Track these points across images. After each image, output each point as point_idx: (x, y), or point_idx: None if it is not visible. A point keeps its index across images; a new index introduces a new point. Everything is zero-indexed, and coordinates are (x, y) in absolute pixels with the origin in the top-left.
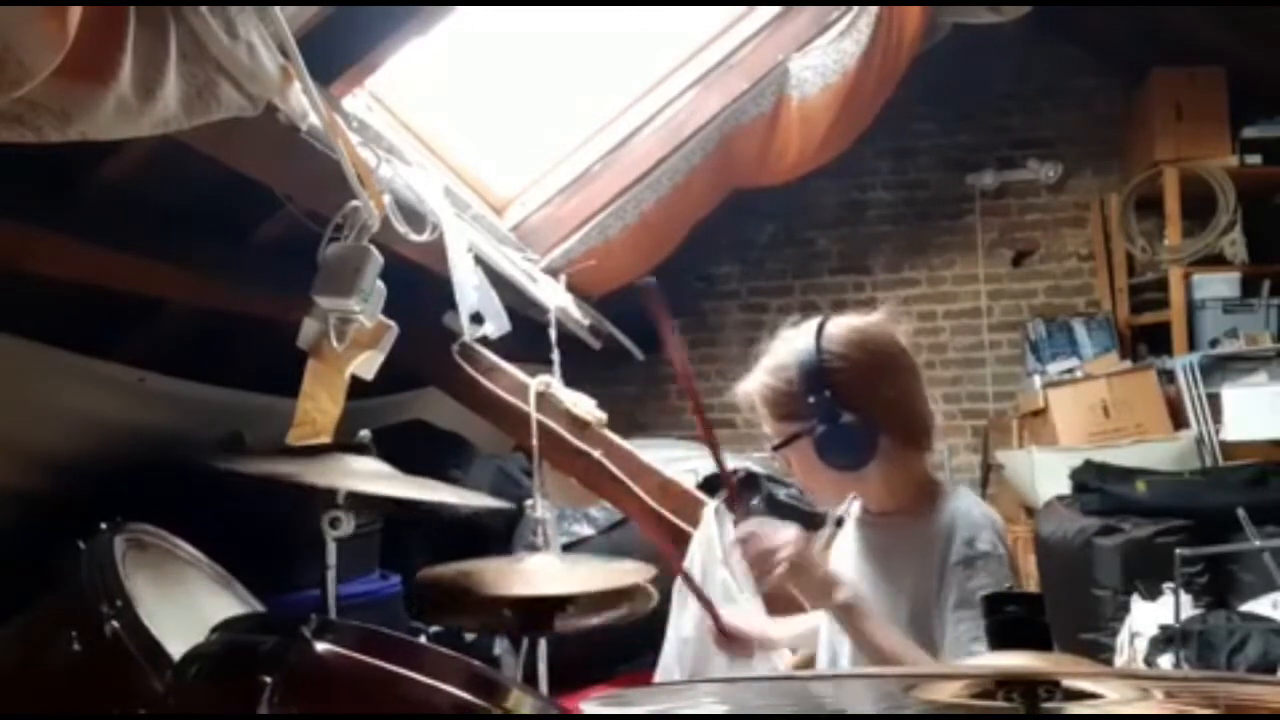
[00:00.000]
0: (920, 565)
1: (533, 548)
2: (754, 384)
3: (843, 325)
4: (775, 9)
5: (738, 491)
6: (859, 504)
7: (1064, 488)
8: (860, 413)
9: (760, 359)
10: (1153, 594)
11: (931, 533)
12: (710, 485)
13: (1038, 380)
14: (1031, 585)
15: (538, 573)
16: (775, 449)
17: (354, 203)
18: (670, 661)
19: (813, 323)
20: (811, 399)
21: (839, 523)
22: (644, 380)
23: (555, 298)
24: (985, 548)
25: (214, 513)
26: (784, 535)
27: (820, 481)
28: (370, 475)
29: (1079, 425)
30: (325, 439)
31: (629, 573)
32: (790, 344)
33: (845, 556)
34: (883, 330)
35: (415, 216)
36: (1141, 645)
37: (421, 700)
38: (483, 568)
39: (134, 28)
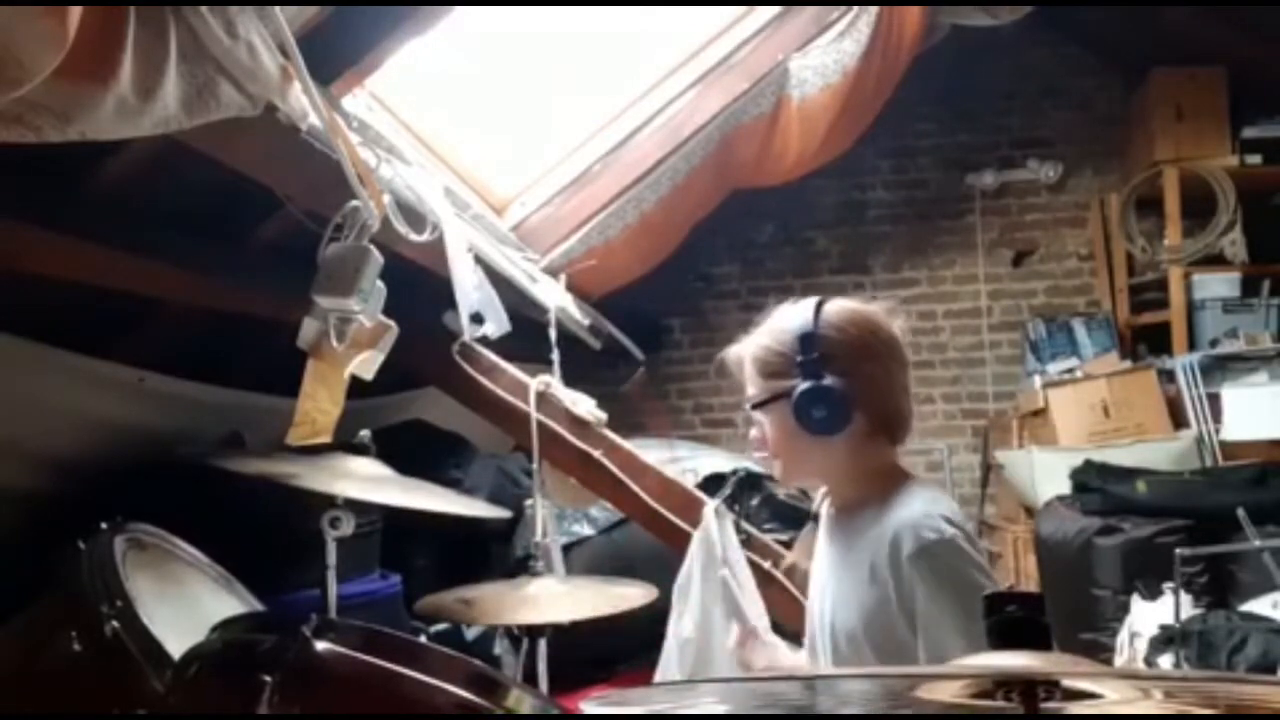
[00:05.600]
0: (873, 564)
1: (533, 571)
2: (748, 345)
3: (841, 303)
4: (775, 9)
5: (736, 492)
6: (829, 505)
7: (1064, 488)
8: (843, 380)
9: (753, 328)
10: (1153, 594)
11: (883, 529)
12: (710, 485)
13: (1038, 380)
14: (1031, 585)
15: (539, 599)
16: (755, 407)
17: (354, 203)
18: (670, 661)
19: (813, 298)
20: (800, 359)
21: (814, 519)
22: (644, 380)
23: (555, 298)
24: (932, 536)
25: (214, 513)
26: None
27: (789, 451)
28: (369, 478)
29: (1079, 425)
30: (325, 439)
31: (631, 597)
32: (788, 312)
33: (820, 557)
34: (879, 316)
35: (415, 216)
36: (1141, 645)
37: (422, 700)
38: (484, 594)
39: (134, 28)
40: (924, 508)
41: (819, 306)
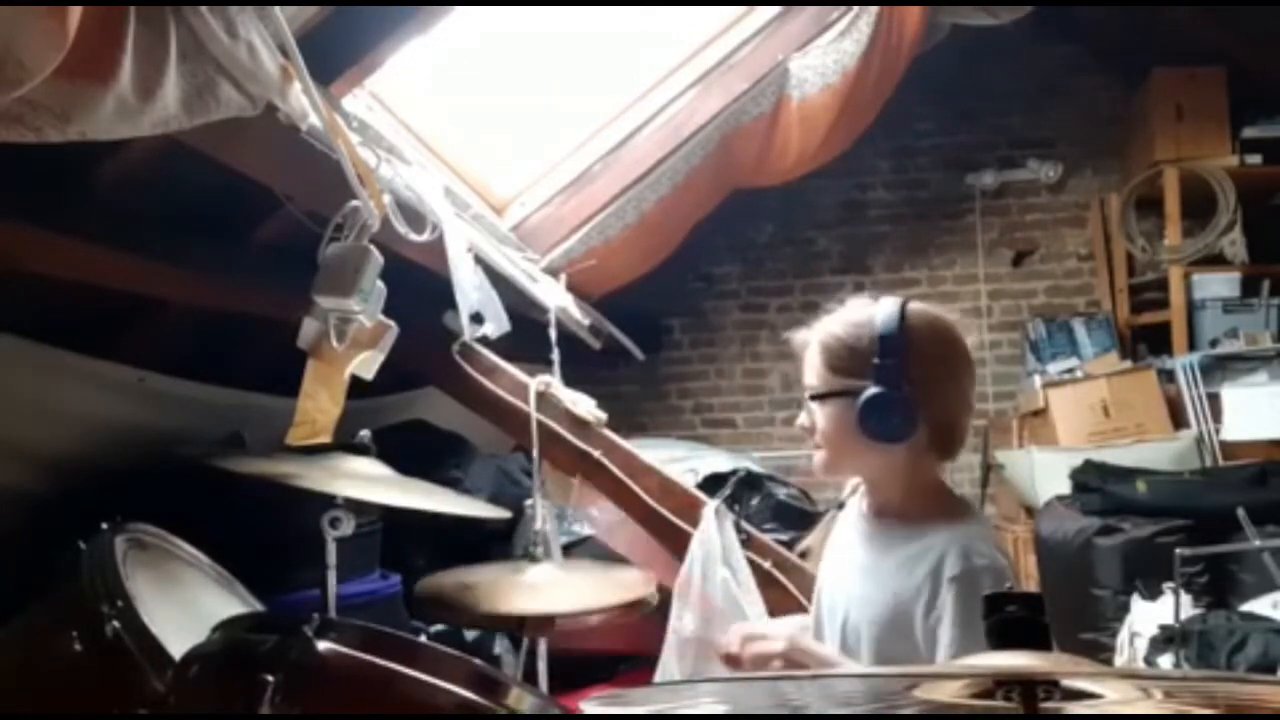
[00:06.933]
0: (908, 573)
1: (533, 557)
2: (820, 332)
3: (926, 309)
4: (775, 9)
5: (736, 492)
6: (862, 500)
7: (1064, 488)
8: (916, 391)
9: (825, 314)
10: (1153, 594)
11: (927, 544)
12: (710, 485)
13: (1038, 380)
14: (1031, 585)
15: (538, 584)
16: (815, 398)
17: (354, 203)
18: (670, 661)
19: (896, 298)
20: (877, 361)
21: (840, 506)
22: (644, 380)
23: (555, 298)
24: (982, 562)
25: (214, 513)
26: (776, 633)
27: (840, 448)
28: (369, 478)
29: (1079, 425)
30: (325, 439)
31: (630, 585)
32: (870, 307)
33: (842, 548)
34: (959, 329)
35: (415, 216)
36: (1141, 645)
37: (423, 699)
38: (483, 578)
39: (134, 28)
40: (978, 531)
41: (904, 308)
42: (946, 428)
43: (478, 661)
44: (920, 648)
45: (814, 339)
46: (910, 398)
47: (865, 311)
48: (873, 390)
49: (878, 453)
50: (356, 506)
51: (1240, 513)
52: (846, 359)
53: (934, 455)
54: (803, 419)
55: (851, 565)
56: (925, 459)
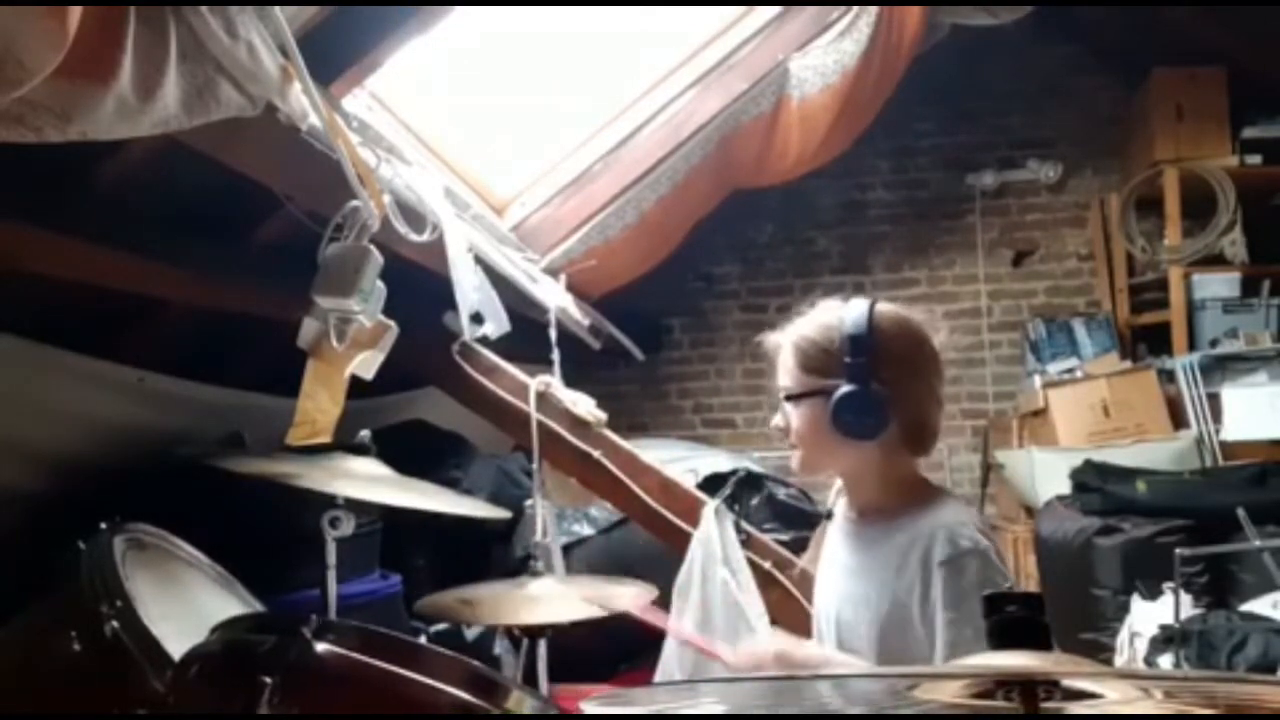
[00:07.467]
0: (900, 565)
1: (534, 572)
2: (791, 334)
3: (894, 310)
4: (775, 9)
5: (736, 492)
6: (844, 502)
7: (1064, 488)
8: (886, 388)
9: (797, 317)
10: (1153, 594)
11: (913, 534)
12: (710, 485)
13: (1038, 380)
14: (1031, 585)
15: (539, 600)
16: (790, 399)
17: (354, 203)
18: (670, 661)
19: (864, 299)
20: (848, 359)
21: (828, 515)
22: (644, 380)
23: (555, 298)
24: (967, 544)
25: (214, 513)
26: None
27: (815, 446)
28: (369, 478)
29: (1079, 425)
30: (325, 439)
31: (632, 597)
32: (840, 309)
33: (832, 554)
34: (928, 328)
35: (415, 216)
36: (1141, 645)
37: (422, 700)
38: (483, 595)
39: (134, 28)
40: (956, 516)
41: (872, 309)
42: (918, 424)
43: (476, 663)
44: (921, 638)
45: (786, 341)
46: (880, 394)
47: (835, 313)
48: (845, 388)
49: (852, 450)
50: (356, 506)
51: (1240, 513)
52: (819, 359)
53: (907, 451)
54: (777, 420)
55: (841, 568)
56: (899, 455)
